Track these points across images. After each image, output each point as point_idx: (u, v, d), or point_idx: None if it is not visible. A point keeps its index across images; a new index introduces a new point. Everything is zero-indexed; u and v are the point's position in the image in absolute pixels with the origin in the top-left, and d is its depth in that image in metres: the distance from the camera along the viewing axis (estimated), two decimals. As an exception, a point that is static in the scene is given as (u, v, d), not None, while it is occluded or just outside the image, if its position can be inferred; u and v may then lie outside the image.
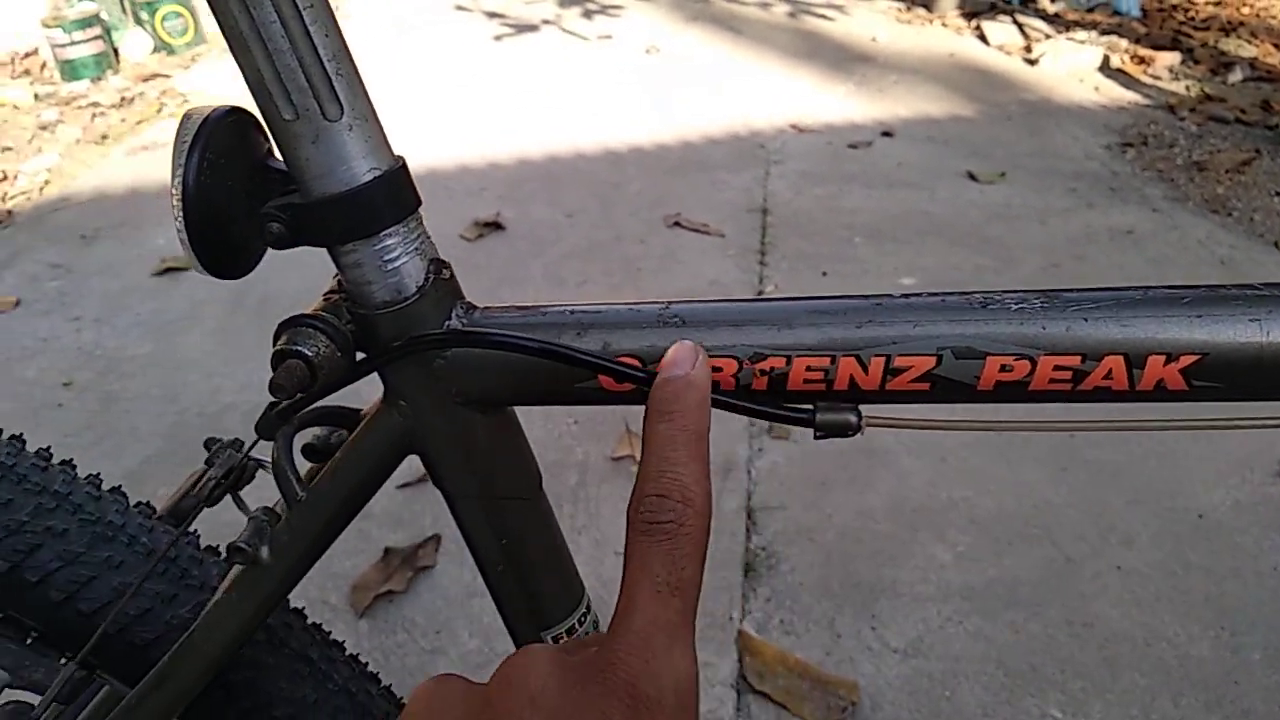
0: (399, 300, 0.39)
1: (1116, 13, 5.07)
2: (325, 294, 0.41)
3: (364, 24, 5.12)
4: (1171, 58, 4.38)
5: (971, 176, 3.22)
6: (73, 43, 4.12)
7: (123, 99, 3.99)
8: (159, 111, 3.86)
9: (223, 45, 4.62)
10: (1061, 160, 3.38)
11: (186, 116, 0.37)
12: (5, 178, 3.20)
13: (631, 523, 0.31)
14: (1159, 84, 4.17)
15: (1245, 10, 5.14)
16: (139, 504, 0.51)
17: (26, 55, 4.41)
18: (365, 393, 0.43)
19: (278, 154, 0.39)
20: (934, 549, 1.70)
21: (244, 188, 0.38)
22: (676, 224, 2.83)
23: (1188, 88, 4.10)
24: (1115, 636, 1.53)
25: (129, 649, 0.47)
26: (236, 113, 0.38)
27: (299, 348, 0.38)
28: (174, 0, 4.53)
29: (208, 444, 0.52)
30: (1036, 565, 1.66)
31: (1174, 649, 1.50)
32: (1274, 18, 5.01)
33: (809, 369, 0.37)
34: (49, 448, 0.51)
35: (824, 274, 2.61)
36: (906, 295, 0.38)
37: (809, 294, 0.40)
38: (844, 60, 4.53)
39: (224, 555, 0.52)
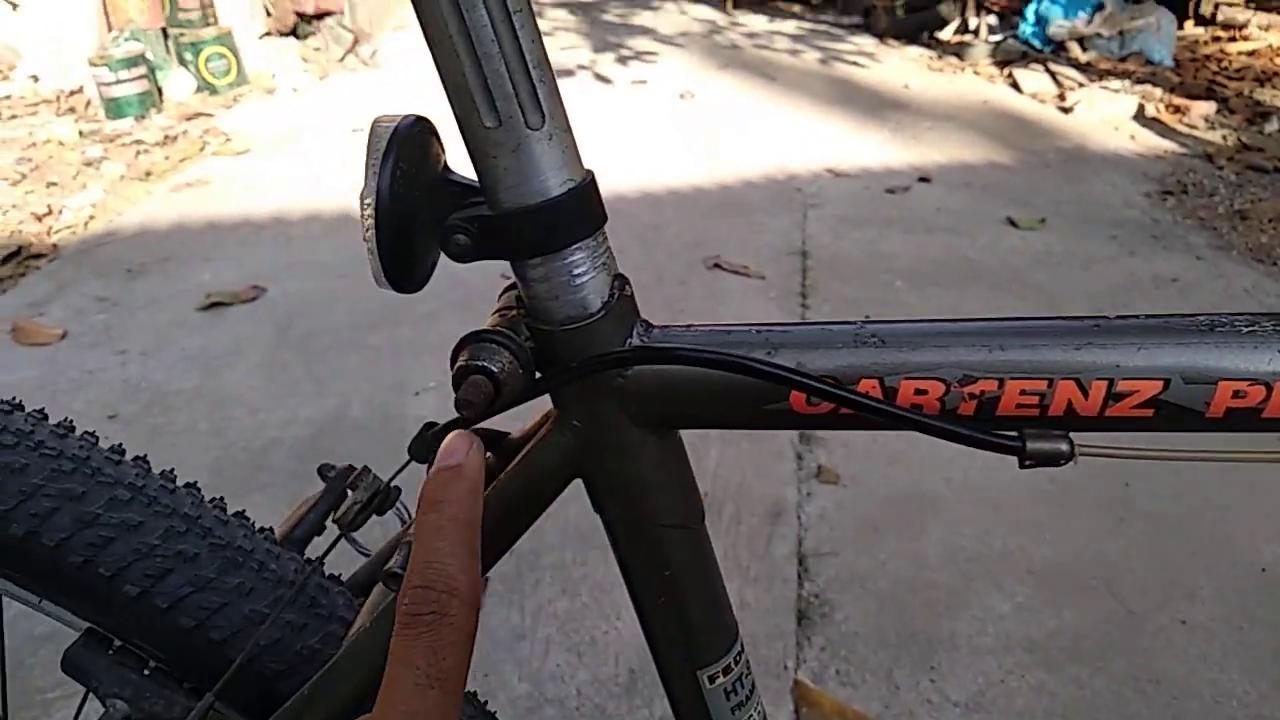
0: (583, 317, 0.38)
1: (1149, 62, 5.09)
2: (499, 310, 0.40)
3: (407, 69, 5.20)
4: (1207, 107, 4.38)
5: (1012, 223, 3.21)
6: (118, 81, 4.20)
7: (166, 137, 4.05)
8: (201, 150, 3.92)
9: (263, 86, 4.71)
10: (1101, 207, 3.37)
11: (376, 124, 0.36)
12: (50, 212, 3.24)
13: (396, 616, 0.31)
14: (1195, 133, 4.17)
15: (1279, 61, 5.14)
16: (261, 529, 0.50)
17: (72, 93, 4.50)
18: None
19: (453, 166, 0.38)
20: (991, 599, 1.66)
21: (428, 199, 0.37)
22: (717, 266, 2.83)
23: (1224, 137, 4.09)
24: (1183, 693, 1.48)
25: (257, 680, 0.45)
26: (422, 122, 0.37)
27: (484, 363, 0.37)
28: (218, 42, 4.62)
29: (322, 470, 0.51)
30: (1098, 618, 1.62)
31: (1244, 707, 1.45)
32: (1309, 69, 5.01)
33: (1023, 393, 0.35)
34: (172, 469, 0.50)
35: (868, 317, 2.59)
36: (1122, 317, 0.36)
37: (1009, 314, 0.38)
38: (877, 106, 4.55)
39: (351, 583, 0.50)
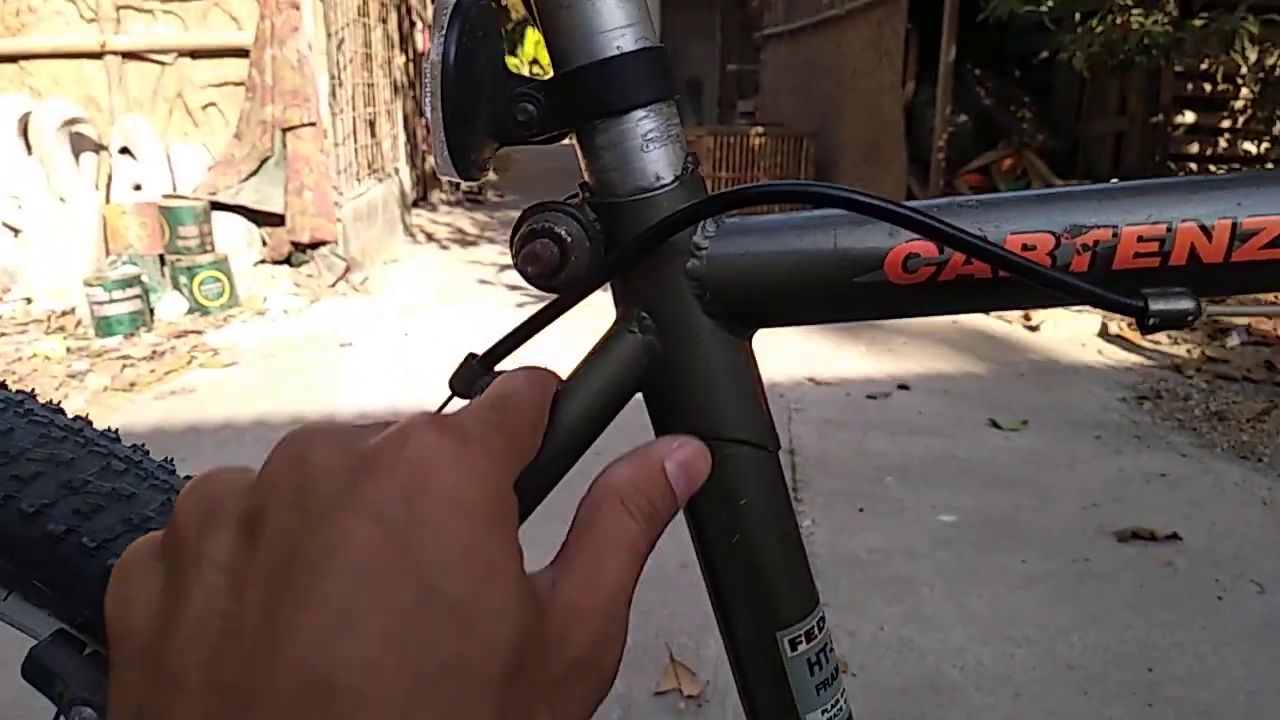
0: (655, 187, 0.35)
1: (1106, 287, 5.35)
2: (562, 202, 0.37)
3: (397, 295, 5.36)
4: (1167, 324, 4.55)
5: (994, 425, 3.24)
6: (111, 300, 4.28)
7: (154, 352, 4.08)
8: (188, 363, 3.94)
9: (255, 308, 4.83)
10: (1080, 412, 3.42)
11: None
12: (28, 419, 3.20)
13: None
14: (1160, 348, 4.31)
15: (1227, 286, 5.42)
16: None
17: (63, 314, 4.57)
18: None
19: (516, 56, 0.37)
20: (1024, 791, 1.52)
21: (491, 72, 0.36)
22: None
23: (1189, 350, 4.23)
24: None
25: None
26: None
27: (550, 226, 0.35)
28: (213, 267, 4.77)
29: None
30: (1143, 809, 1.47)
31: None
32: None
33: (1140, 239, 0.33)
34: (171, 459, 0.45)
35: (860, 509, 2.54)
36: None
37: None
38: (853, 325, 4.70)
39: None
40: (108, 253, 4.83)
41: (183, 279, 4.74)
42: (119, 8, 5.28)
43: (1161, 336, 4.45)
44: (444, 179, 0.37)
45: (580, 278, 0.36)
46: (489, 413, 0.28)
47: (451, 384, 0.37)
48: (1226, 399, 3.53)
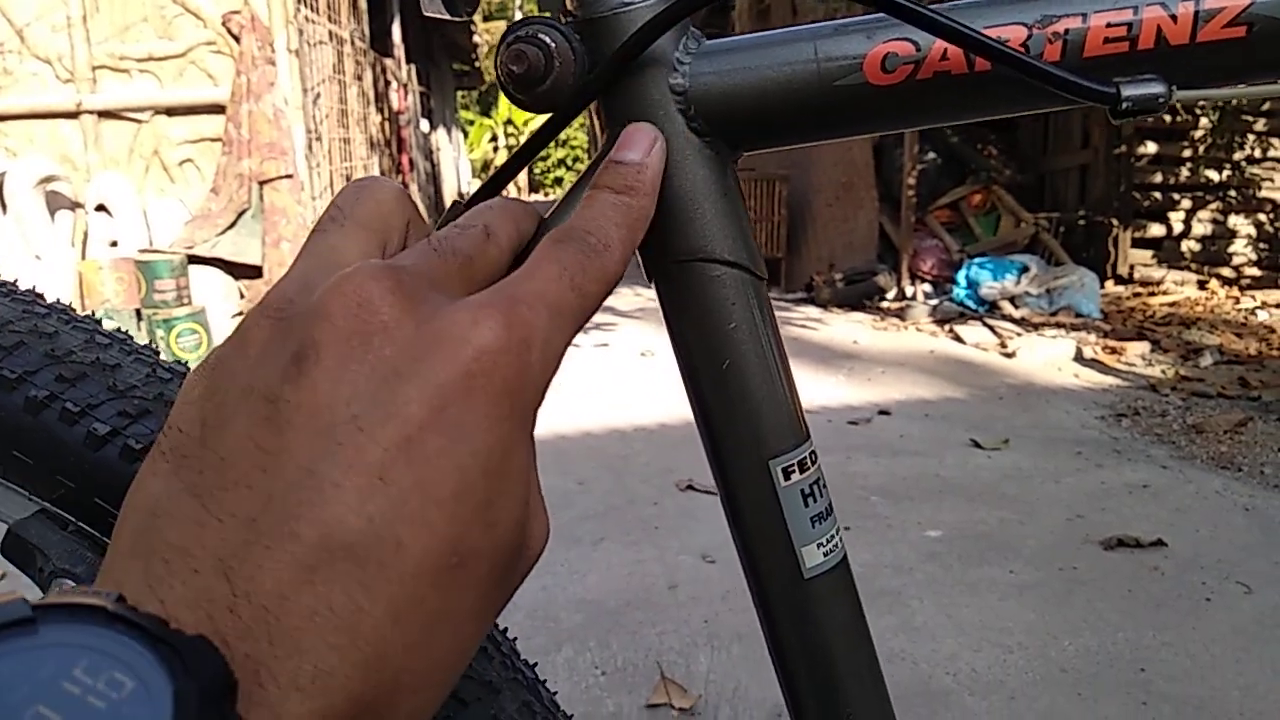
0: (637, 0, 0.36)
1: (1079, 315, 5.42)
2: None
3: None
4: (1141, 347, 4.62)
5: (976, 444, 3.25)
6: (88, 355, 4.25)
7: (130, 404, 4.04)
8: (165, 413, 3.90)
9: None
10: (1060, 430, 3.44)
11: None
12: None
13: (549, 237, 0.30)
14: (1134, 369, 4.36)
15: (1199, 309, 5.51)
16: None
17: (39, 370, 4.53)
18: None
19: None
20: (1023, 787, 1.50)
21: None
22: (690, 487, 2.79)
23: (1163, 371, 4.28)
24: None
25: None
26: None
27: (535, 33, 0.35)
28: (190, 319, 4.75)
29: None
30: (1143, 800, 1.46)
31: None
32: (1227, 313, 5.37)
33: (1109, 25, 0.34)
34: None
35: (846, 528, 2.54)
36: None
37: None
38: (830, 357, 4.73)
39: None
40: (84, 308, 4.80)
41: (160, 332, 4.71)
42: (95, 68, 5.33)
43: (1135, 359, 4.50)
44: (429, 10, 0.37)
45: (563, 92, 0.36)
46: (567, 292, 0.28)
47: (439, 228, 0.37)
48: (1203, 413, 3.56)
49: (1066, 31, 0.34)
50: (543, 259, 0.29)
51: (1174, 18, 0.33)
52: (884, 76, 0.35)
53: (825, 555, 0.40)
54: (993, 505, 2.71)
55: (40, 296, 0.43)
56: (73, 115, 5.32)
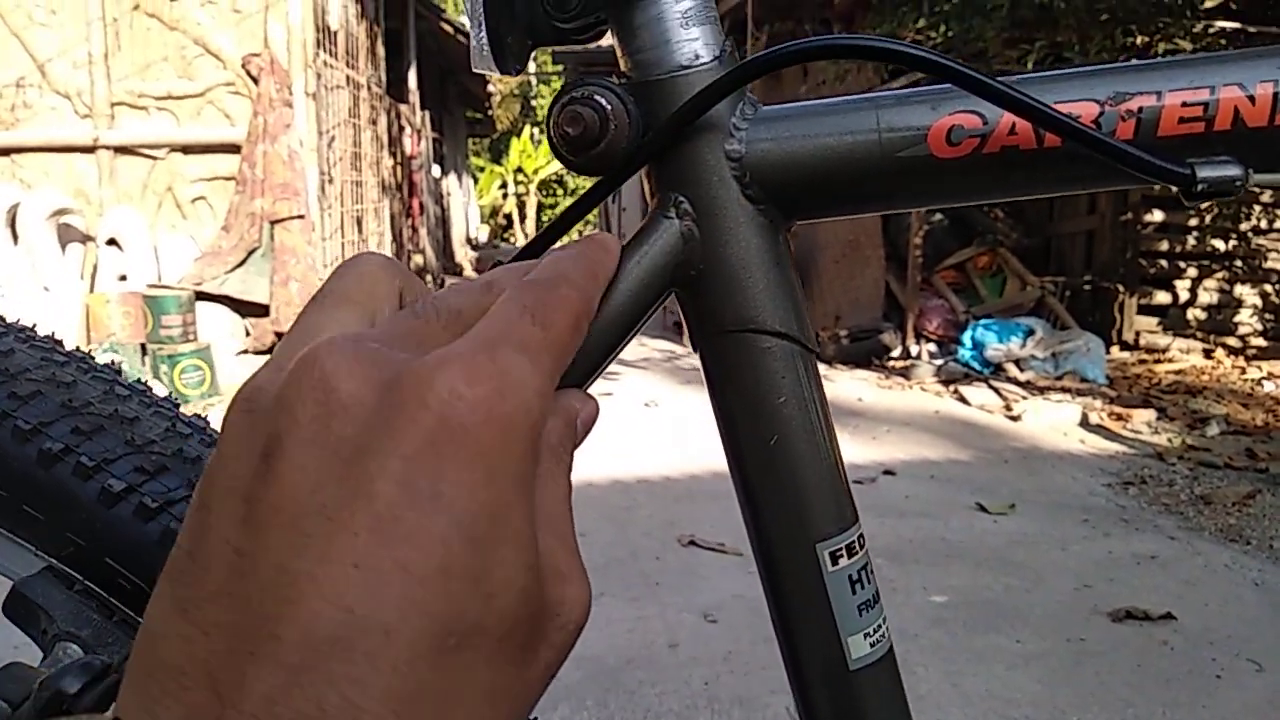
0: (693, 65, 0.35)
1: (1084, 380, 5.40)
2: None
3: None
4: (1147, 414, 4.59)
5: (982, 508, 3.22)
6: (90, 388, 4.24)
7: (130, 439, 4.02)
8: (165, 449, 3.88)
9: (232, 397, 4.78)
10: (1066, 496, 3.41)
11: None
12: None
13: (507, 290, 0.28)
14: (1140, 437, 4.33)
15: (1205, 378, 5.49)
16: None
17: (40, 402, 4.51)
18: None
19: None
20: None
21: None
22: (692, 543, 2.76)
23: (1169, 439, 4.25)
24: None
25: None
26: None
27: (592, 94, 0.34)
28: (195, 355, 4.75)
29: None
30: None
31: None
32: (1234, 383, 5.35)
33: (1184, 104, 0.33)
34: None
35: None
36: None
37: None
38: (835, 415, 4.64)
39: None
40: (89, 341, 4.80)
41: (164, 367, 4.70)
42: (114, 104, 5.39)
43: (1141, 426, 4.48)
44: (478, 67, 0.36)
45: (617, 156, 0.35)
46: (529, 327, 0.26)
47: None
48: (1211, 484, 3.53)
49: (1140, 109, 0.33)
50: (499, 305, 0.27)
51: (1252, 99, 0.32)
52: (949, 149, 0.35)
53: (872, 646, 0.38)
54: (999, 571, 2.67)
55: (59, 343, 0.42)
56: (89, 150, 5.38)
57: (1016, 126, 0.34)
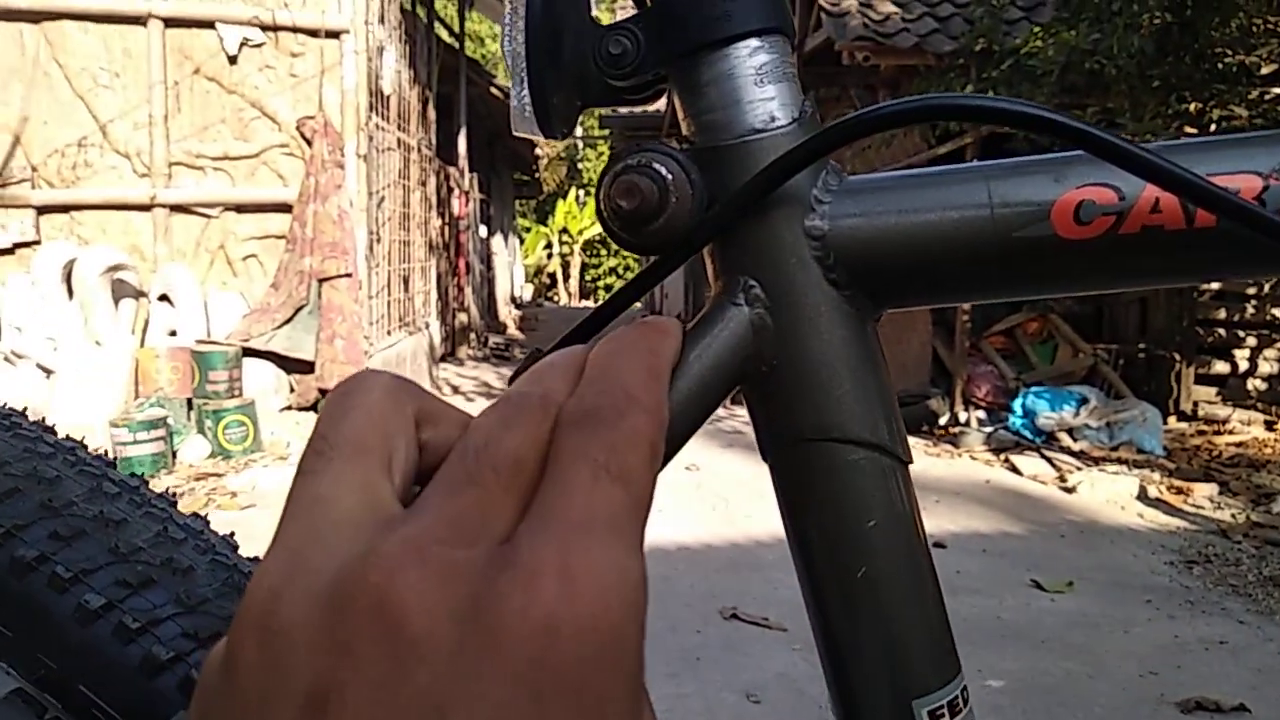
0: (769, 128, 0.30)
1: (1141, 451, 5.23)
2: None
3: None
4: (1209, 488, 4.42)
5: (1038, 585, 3.09)
6: (135, 441, 4.27)
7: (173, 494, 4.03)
8: (205, 505, 3.87)
9: (277, 453, 4.79)
10: (1127, 574, 3.26)
11: None
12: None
13: (556, 424, 0.23)
14: (1202, 512, 4.16)
15: (1268, 450, 5.29)
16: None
17: (87, 455, 4.55)
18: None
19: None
20: None
21: (576, 20, 0.31)
22: (734, 616, 2.66)
23: (1233, 515, 4.08)
24: None
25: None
26: None
27: (649, 162, 0.29)
28: (239, 411, 4.77)
29: None
30: None
31: None
32: (1299, 457, 5.14)
33: None
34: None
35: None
36: None
37: None
38: (882, 483, 4.60)
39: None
40: (137, 395, 4.85)
41: (208, 422, 4.73)
42: (172, 164, 5.53)
43: (1203, 500, 4.31)
44: (520, 130, 0.32)
45: (676, 232, 0.30)
46: (609, 489, 0.21)
47: (510, 384, 0.32)
48: (1279, 564, 3.36)
49: None
50: (565, 463, 0.22)
51: None
52: (1077, 229, 0.29)
53: None
54: (1059, 655, 2.54)
55: (50, 430, 0.37)
56: (146, 208, 5.50)
57: (1161, 203, 0.29)
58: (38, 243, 5.40)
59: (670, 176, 0.30)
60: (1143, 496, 4.39)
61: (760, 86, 0.31)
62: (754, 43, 0.31)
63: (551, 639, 0.18)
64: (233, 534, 0.39)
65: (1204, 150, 0.29)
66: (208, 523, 0.39)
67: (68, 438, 0.38)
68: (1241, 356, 6.34)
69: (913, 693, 0.31)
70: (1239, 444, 5.49)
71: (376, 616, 0.18)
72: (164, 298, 5.29)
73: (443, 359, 8.64)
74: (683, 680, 2.28)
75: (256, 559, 0.39)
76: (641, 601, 0.20)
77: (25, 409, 0.38)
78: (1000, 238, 0.30)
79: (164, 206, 5.51)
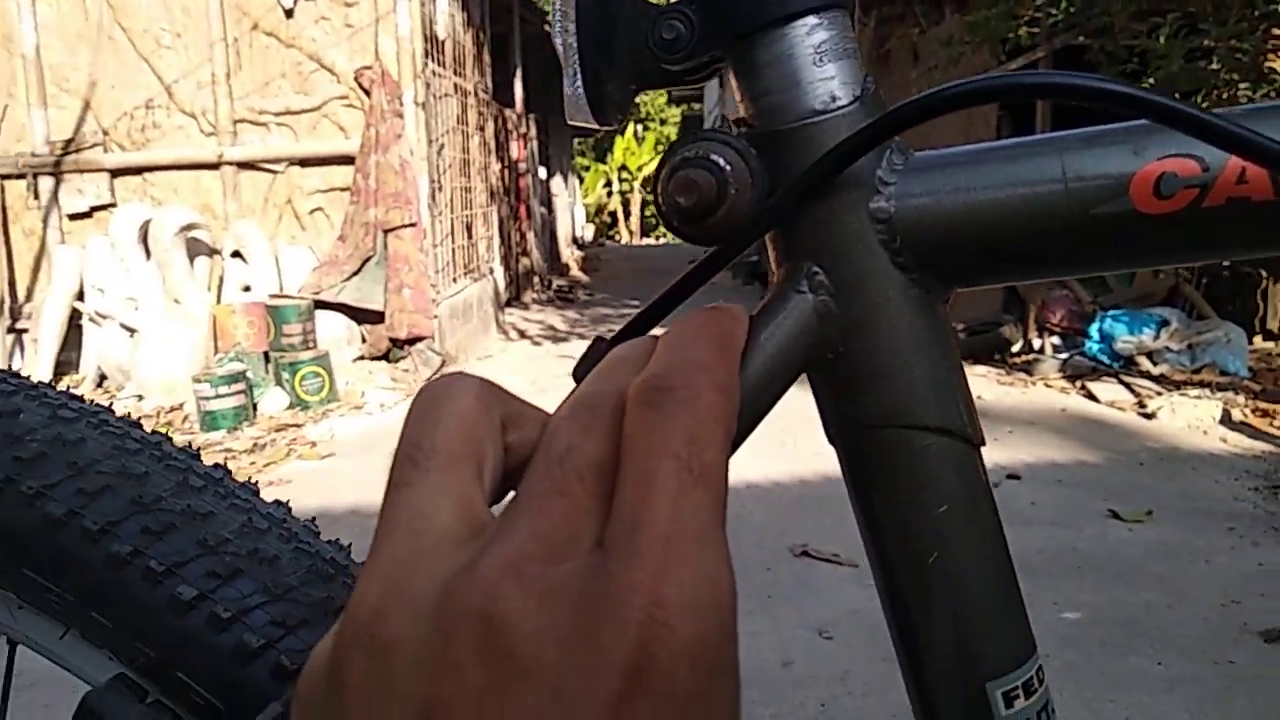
0: (830, 108, 0.29)
1: (1224, 373, 5.06)
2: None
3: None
4: (1297, 410, 4.27)
5: (1115, 515, 3.03)
6: (217, 396, 4.42)
7: (255, 445, 4.17)
8: (287, 455, 4.01)
9: (352, 402, 4.92)
10: (1209, 501, 3.18)
11: None
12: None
13: (627, 405, 0.23)
14: (1291, 435, 4.03)
15: (1361, 370, 5.08)
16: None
17: (172, 409, 4.73)
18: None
19: None
20: None
21: (628, 10, 0.31)
22: (805, 554, 2.68)
23: (1324, 438, 3.94)
24: None
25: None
26: None
27: (707, 153, 0.29)
28: (314, 363, 4.90)
29: None
30: None
31: None
32: (1396, 375, 4.93)
33: None
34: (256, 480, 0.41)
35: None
36: None
37: None
38: (953, 414, 4.54)
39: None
40: (216, 350, 5.01)
41: (285, 375, 4.87)
42: (236, 121, 5.62)
43: (1292, 423, 4.17)
44: (575, 119, 0.32)
45: (737, 222, 0.29)
46: (694, 492, 0.21)
47: (576, 375, 0.32)
48: (1374, 488, 3.25)
49: None
50: (644, 457, 0.22)
51: None
52: (1158, 203, 0.28)
53: None
54: (1137, 586, 2.50)
55: (136, 425, 0.39)
56: (214, 166, 5.61)
57: (1247, 173, 0.27)
58: (114, 205, 5.56)
59: (729, 167, 0.29)
60: (1226, 420, 4.26)
61: (820, 66, 0.30)
62: (811, 20, 0.30)
63: (650, 661, 0.18)
64: (314, 520, 0.41)
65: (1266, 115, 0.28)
66: (289, 510, 0.40)
67: (153, 432, 0.40)
68: (1334, 271, 6.06)
69: (988, 675, 0.31)
70: (1330, 363, 5.28)
71: (483, 638, 0.19)
72: (236, 254, 5.43)
73: (508, 304, 8.72)
74: (755, 618, 2.31)
75: (337, 543, 0.41)
76: (733, 610, 0.20)
77: (111, 404, 0.41)
78: (1076, 214, 0.29)
79: (231, 164, 5.61)
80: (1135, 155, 0.28)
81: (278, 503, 0.41)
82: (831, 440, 0.32)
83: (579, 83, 0.31)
